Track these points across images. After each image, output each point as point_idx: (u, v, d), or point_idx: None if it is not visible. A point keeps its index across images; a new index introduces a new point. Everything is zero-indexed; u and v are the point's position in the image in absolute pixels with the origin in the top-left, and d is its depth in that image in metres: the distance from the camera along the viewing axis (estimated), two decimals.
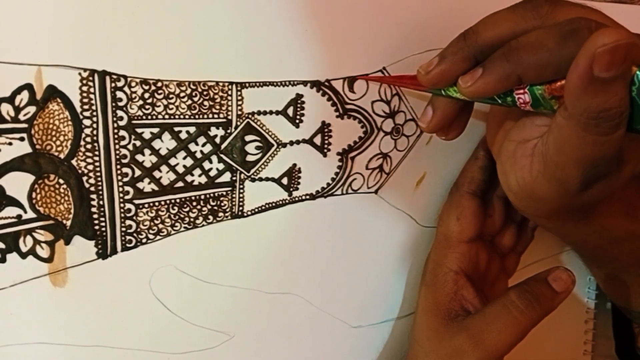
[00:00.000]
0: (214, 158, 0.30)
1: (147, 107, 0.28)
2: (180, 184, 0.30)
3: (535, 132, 0.28)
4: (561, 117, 0.25)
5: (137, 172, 0.29)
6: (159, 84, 0.28)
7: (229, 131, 0.30)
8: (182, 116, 0.29)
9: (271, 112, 0.31)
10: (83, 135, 0.27)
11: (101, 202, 0.28)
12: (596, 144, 0.24)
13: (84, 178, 0.27)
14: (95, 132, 0.27)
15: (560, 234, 0.34)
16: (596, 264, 0.38)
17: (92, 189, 0.28)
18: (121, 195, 0.28)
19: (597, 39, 0.22)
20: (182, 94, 0.28)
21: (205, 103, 0.29)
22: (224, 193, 0.31)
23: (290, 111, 0.31)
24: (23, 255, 0.27)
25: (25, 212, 0.26)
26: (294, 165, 0.32)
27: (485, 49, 0.27)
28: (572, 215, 0.30)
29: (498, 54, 0.26)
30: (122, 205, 0.28)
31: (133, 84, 0.27)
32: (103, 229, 0.28)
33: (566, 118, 0.25)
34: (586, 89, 0.23)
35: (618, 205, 0.30)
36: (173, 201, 0.30)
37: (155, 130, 0.28)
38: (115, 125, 0.28)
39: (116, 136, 0.28)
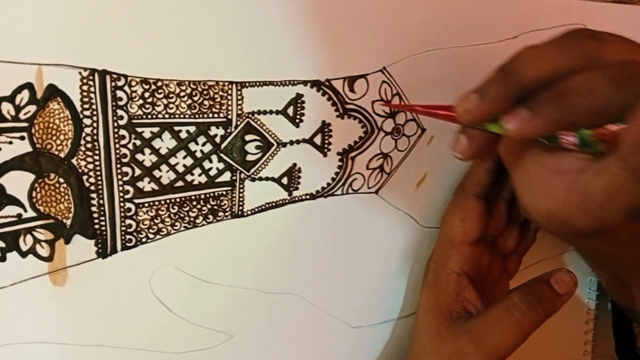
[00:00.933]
0: (214, 157, 0.30)
1: (147, 106, 0.28)
2: (180, 183, 0.30)
3: (573, 166, 0.27)
4: (615, 166, 0.24)
5: (137, 172, 0.29)
6: (159, 84, 0.28)
7: (229, 131, 0.30)
8: (182, 115, 0.29)
9: (271, 112, 0.31)
10: (83, 135, 0.27)
11: (101, 201, 0.28)
12: None
13: (84, 177, 0.27)
14: (95, 131, 0.27)
15: (570, 242, 0.34)
16: (600, 266, 0.38)
17: (92, 188, 0.28)
18: (121, 194, 0.28)
19: None
20: (182, 94, 0.29)
21: (205, 102, 0.29)
22: (224, 192, 0.31)
23: (290, 111, 0.31)
24: (23, 254, 0.27)
25: (26, 211, 0.27)
26: (294, 165, 0.32)
27: (528, 88, 0.26)
28: (599, 234, 0.29)
29: (546, 98, 0.25)
30: (122, 204, 0.28)
31: (133, 83, 0.27)
32: (103, 228, 0.28)
33: (622, 168, 0.24)
34: None
35: None
36: (173, 200, 0.30)
37: (155, 129, 0.28)
38: (116, 124, 0.28)
39: (116, 135, 0.28)
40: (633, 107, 0.23)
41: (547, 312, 0.32)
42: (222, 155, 0.30)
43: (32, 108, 0.26)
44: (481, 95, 0.26)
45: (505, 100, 0.26)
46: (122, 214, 0.29)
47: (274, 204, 0.32)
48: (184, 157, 0.29)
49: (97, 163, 0.28)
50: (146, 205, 0.29)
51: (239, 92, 0.30)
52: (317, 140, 0.32)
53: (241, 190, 0.31)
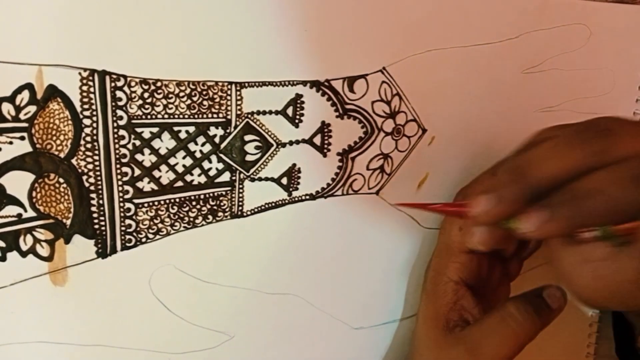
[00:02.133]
0: (214, 158, 0.30)
1: (146, 106, 0.28)
2: (179, 183, 0.30)
3: (599, 254, 0.27)
4: (637, 259, 0.25)
5: (137, 172, 0.29)
6: (159, 84, 0.28)
7: (228, 131, 0.30)
8: (181, 116, 0.29)
9: (271, 112, 0.31)
10: (83, 135, 0.27)
11: (101, 201, 0.28)
12: None
13: (84, 177, 0.27)
14: (95, 131, 0.27)
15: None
16: None
17: (92, 188, 0.28)
18: (121, 194, 0.28)
19: None
20: (181, 94, 0.29)
21: (205, 103, 0.29)
22: (224, 193, 0.31)
23: (289, 111, 0.31)
24: (23, 254, 0.27)
25: (26, 211, 0.27)
26: (294, 165, 0.32)
27: (542, 189, 0.26)
28: None
29: (562, 200, 0.25)
30: (121, 204, 0.29)
31: (133, 83, 0.28)
32: (103, 228, 0.28)
33: None
34: None
35: None
36: (172, 200, 0.30)
37: (155, 129, 0.29)
38: (115, 124, 0.28)
39: (116, 135, 0.28)
40: None
41: (543, 323, 0.32)
42: (221, 155, 0.30)
43: (32, 108, 0.26)
44: (497, 198, 0.27)
45: (520, 202, 0.26)
46: (122, 214, 0.29)
47: (273, 204, 0.32)
48: (184, 158, 0.30)
49: (97, 163, 0.28)
50: (146, 205, 0.29)
51: (238, 93, 0.30)
52: (317, 140, 0.32)
53: (241, 190, 0.31)
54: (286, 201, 0.33)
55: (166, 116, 0.29)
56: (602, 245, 0.27)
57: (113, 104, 0.27)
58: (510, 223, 0.27)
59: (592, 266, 0.27)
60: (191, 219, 0.30)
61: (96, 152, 0.27)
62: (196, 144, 0.30)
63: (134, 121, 0.28)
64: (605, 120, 0.26)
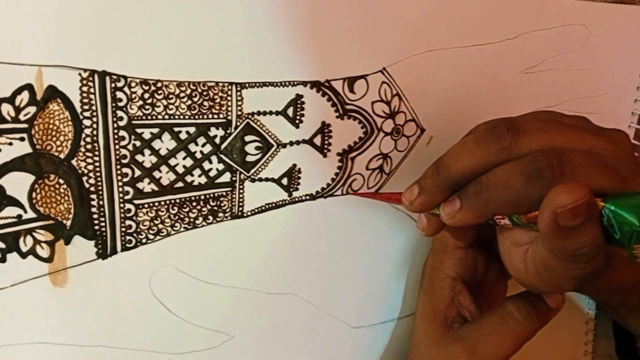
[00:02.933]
0: (214, 158, 0.30)
1: (147, 107, 0.28)
2: (180, 184, 0.30)
3: (525, 238, 0.29)
4: (542, 247, 0.26)
5: (137, 172, 0.29)
6: (159, 85, 0.28)
7: (228, 131, 0.30)
8: (182, 116, 0.29)
9: (271, 113, 0.31)
10: (83, 136, 0.27)
11: (101, 202, 0.28)
12: (580, 269, 0.26)
13: (84, 178, 0.27)
14: (95, 132, 0.27)
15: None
16: (605, 305, 0.38)
17: (92, 189, 0.28)
18: (121, 195, 0.28)
19: (557, 198, 0.24)
20: (182, 95, 0.29)
21: (205, 103, 0.29)
22: (224, 193, 0.31)
23: (290, 111, 0.31)
24: (23, 255, 0.27)
25: (26, 212, 0.27)
26: (294, 165, 0.32)
27: (458, 181, 0.28)
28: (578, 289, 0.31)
29: (471, 191, 0.27)
30: (122, 205, 0.29)
31: (133, 84, 0.27)
32: (103, 229, 0.28)
33: (546, 249, 0.26)
34: (557, 235, 0.24)
35: (621, 259, 0.30)
36: (173, 201, 0.30)
37: (155, 130, 0.28)
38: (115, 125, 0.28)
39: (116, 136, 0.28)
40: (543, 198, 0.24)
41: (541, 323, 0.32)
42: (222, 156, 0.30)
43: (32, 109, 0.26)
44: (419, 188, 0.30)
45: (440, 193, 0.29)
46: (122, 215, 0.29)
47: (274, 204, 0.32)
48: (184, 158, 0.29)
49: (97, 164, 0.28)
50: (146, 206, 0.29)
51: (238, 93, 0.30)
52: (317, 140, 0.32)
53: (241, 191, 0.31)
54: (286, 201, 0.33)
55: (166, 117, 0.29)
56: (529, 229, 0.28)
57: (113, 104, 0.27)
58: (436, 211, 0.30)
59: (522, 249, 0.29)
60: (191, 220, 0.30)
61: (96, 153, 0.27)
62: (197, 144, 0.30)
63: (134, 122, 0.28)
64: (518, 118, 0.28)
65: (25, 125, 0.26)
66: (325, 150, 0.33)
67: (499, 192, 0.26)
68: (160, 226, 0.30)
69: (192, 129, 0.29)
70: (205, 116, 0.29)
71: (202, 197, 0.30)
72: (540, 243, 0.27)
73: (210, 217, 0.31)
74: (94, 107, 0.27)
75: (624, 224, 0.23)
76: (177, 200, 0.30)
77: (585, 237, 0.24)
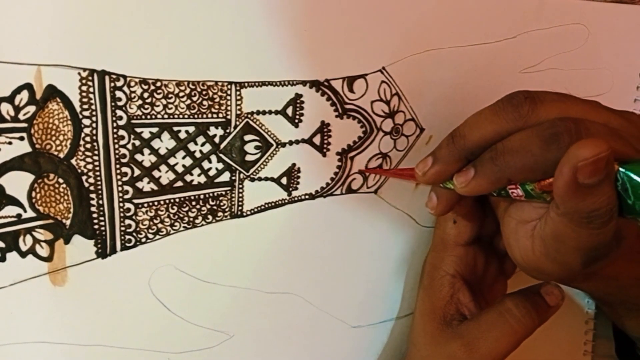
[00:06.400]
0: (213, 158, 0.30)
1: (146, 106, 0.28)
2: (179, 183, 0.30)
3: (533, 214, 0.29)
4: (554, 213, 0.26)
5: (137, 172, 0.29)
6: (158, 84, 0.28)
7: (228, 131, 0.30)
8: (181, 116, 0.29)
9: (270, 112, 0.31)
10: (82, 135, 0.27)
11: (100, 202, 0.28)
12: (591, 235, 0.26)
13: (84, 177, 0.27)
14: (94, 131, 0.27)
15: (567, 285, 0.34)
16: (604, 304, 0.38)
17: (92, 188, 0.28)
18: (120, 194, 0.28)
19: (578, 152, 0.23)
20: (181, 94, 0.29)
21: (205, 103, 0.29)
22: (223, 193, 0.31)
23: (289, 111, 0.31)
24: (23, 255, 0.27)
25: (25, 211, 0.27)
26: (294, 165, 0.32)
27: (474, 150, 0.28)
28: (578, 279, 0.30)
29: (486, 158, 0.28)
30: (121, 204, 0.29)
31: (132, 83, 0.27)
32: (102, 228, 0.28)
33: (559, 215, 0.26)
34: (574, 194, 0.24)
35: (622, 253, 0.30)
36: (172, 201, 0.30)
37: (155, 129, 0.28)
38: (115, 124, 0.28)
39: (115, 136, 0.28)
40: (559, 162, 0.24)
41: (541, 320, 0.32)
42: (221, 155, 0.30)
43: (32, 108, 0.26)
44: (434, 158, 0.30)
45: (455, 162, 0.29)
46: (122, 214, 0.29)
47: (273, 204, 0.32)
48: (183, 158, 0.30)
49: (97, 163, 0.28)
50: (145, 205, 0.29)
51: (238, 92, 0.30)
52: (317, 140, 0.33)
53: (240, 190, 0.31)
54: (286, 201, 0.33)
55: (166, 116, 0.29)
56: (538, 206, 0.28)
57: (112, 104, 0.27)
58: (449, 183, 0.29)
59: (529, 226, 0.29)
60: (191, 219, 0.30)
61: (96, 152, 0.27)
62: (196, 144, 0.30)
63: (133, 121, 0.28)
64: (530, 92, 0.28)
65: (24, 125, 0.26)
66: (325, 150, 0.33)
67: (515, 157, 0.26)
68: (160, 225, 0.30)
69: (191, 129, 0.29)
70: (204, 115, 0.29)
71: (202, 196, 0.30)
72: (552, 210, 0.26)
73: (210, 217, 0.31)
74: (93, 107, 0.27)
75: (639, 187, 0.24)
76: (177, 200, 0.30)
77: (601, 197, 0.24)
